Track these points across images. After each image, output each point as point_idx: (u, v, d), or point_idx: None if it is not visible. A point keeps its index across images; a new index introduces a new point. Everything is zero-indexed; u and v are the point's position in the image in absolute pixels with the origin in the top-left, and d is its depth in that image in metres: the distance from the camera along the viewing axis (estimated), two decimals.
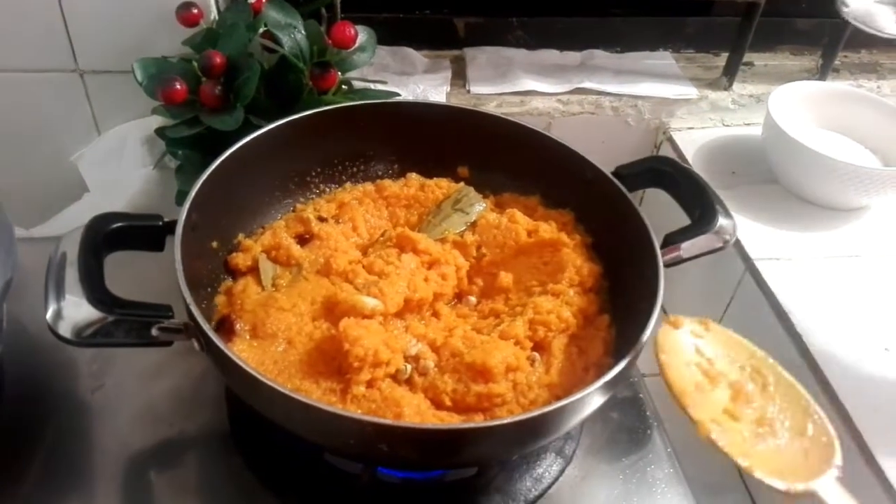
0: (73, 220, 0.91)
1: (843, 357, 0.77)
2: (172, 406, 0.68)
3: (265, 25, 0.83)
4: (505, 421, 0.52)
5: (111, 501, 0.61)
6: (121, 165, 0.94)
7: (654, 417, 0.72)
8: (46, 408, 0.67)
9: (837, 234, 0.96)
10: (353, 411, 0.54)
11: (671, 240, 0.64)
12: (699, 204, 0.67)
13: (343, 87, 0.87)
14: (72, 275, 0.53)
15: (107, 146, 0.95)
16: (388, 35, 1.08)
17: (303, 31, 0.83)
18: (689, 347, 0.59)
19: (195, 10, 0.84)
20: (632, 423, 0.71)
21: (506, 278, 0.69)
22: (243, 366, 0.50)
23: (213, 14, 0.89)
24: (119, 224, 0.59)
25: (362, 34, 0.86)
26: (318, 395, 0.56)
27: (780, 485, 0.50)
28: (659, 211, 0.74)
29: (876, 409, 0.72)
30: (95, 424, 0.66)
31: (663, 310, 0.58)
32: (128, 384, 0.69)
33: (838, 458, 0.51)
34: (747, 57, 1.17)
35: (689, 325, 0.60)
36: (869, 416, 0.71)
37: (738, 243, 0.91)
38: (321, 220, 0.72)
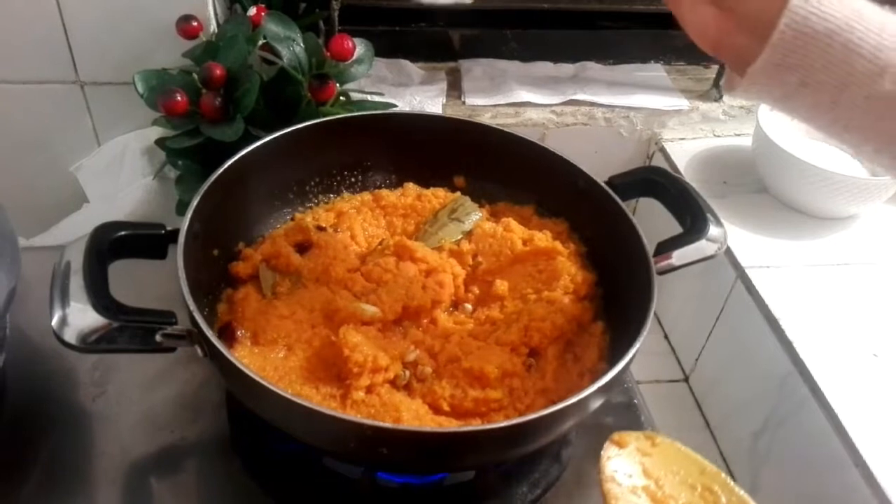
0: (72, 230, 0.92)
1: (833, 363, 0.79)
2: (173, 413, 0.68)
3: (264, 38, 0.85)
4: (501, 424, 0.52)
5: None
6: (121, 176, 0.95)
7: (648, 423, 0.73)
8: (48, 414, 0.67)
9: (826, 242, 0.97)
10: (354, 415, 0.55)
11: (663, 248, 0.65)
12: (690, 213, 0.67)
13: (341, 98, 0.88)
14: (76, 282, 0.54)
15: (107, 157, 0.96)
16: (386, 47, 1.10)
17: (301, 44, 0.85)
18: (635, 469, 0.56)
19: (195, 23, 0.85)
20: (626, 429, 0.72)
21: (501, 286, 0.70)
22: (246, 371, 0.51)
23: (213, 27, 0.90)
24: (123, 233, 0.59)
25: (360, 47, 0.88)
26: (317, 400, 0.57)
27: None
28: (653, 220, 0.76)
29: (865, 413, 0.74)
30: (97, 431, 0.66)
31: (658, 319, 0.59)
32: (129, 391, 0.69)
33: None
34: None
35: (635, 442, 0.58)
36: (859, 421, 0.73)
37: (729, 252, 0.93)
38: (320, 228, 0.73)
